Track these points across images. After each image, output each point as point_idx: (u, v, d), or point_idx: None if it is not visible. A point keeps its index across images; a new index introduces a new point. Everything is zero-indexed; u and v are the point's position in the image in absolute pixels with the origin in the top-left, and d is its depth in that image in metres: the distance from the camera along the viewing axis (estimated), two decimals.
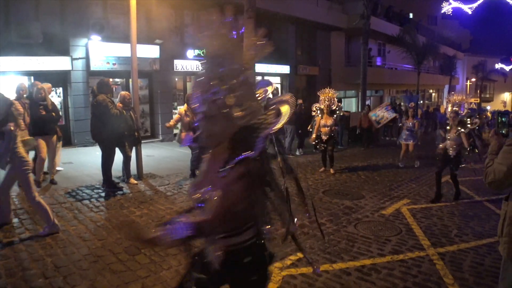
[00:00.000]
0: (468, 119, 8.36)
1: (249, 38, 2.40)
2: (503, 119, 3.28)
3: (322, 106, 11.13)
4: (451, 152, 8.14)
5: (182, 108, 9.99)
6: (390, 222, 6.81)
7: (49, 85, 9.19)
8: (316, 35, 25.23)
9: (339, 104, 11.72)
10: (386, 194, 8.77)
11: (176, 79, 18.22)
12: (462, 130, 8.06)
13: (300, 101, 14.76)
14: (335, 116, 11.41)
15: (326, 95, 11.17)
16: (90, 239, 5.69)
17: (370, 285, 4.54)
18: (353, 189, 9.10)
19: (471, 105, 10.37)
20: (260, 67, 19.48)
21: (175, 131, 17.34)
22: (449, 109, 8.73)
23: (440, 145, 8.48)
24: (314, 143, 11.41)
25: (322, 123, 10.96)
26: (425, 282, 4.63)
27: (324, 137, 10.93)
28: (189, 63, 17.45)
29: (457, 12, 33.96)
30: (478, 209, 7.82)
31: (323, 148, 11.06)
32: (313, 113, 11.96)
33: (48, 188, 8.27)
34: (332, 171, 10.94)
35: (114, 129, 8.05)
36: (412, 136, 12.29)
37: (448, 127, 8.40)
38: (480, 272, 4.92)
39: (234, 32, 2.31)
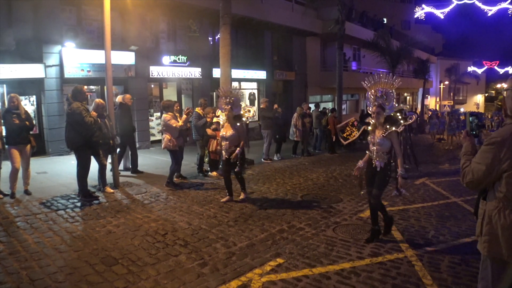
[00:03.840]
0: (399, 114, 6.11)
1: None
2: (474, 120, 3.34)
3: (218, 113, 8.44)
4: (377, 163, 5.95)
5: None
6: (368, 225, 6.83)
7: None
8: (292, 40, 25.39)
9: (248, 107, 9.04)
10: (364, 197, 8.79)
11: (152, 86, 18.09)
12: (394, 128, 5.86)
13: (276, 106, 14.81)
14: (245, 122, 8.56)
15: (225, 94, 8.25)
16: (65, 250, 5.57)
17: None
18: (331, 193, 9.14)
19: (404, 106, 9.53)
20: (237, 73, 19.47)
21: (153, 138, 17.31)
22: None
23: (359, 162, 6.26)
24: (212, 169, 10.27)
25: (221, 134, 8.21)
26: (404, 284, 4.66)
27: (225, 155, 8.12)
28: (165, 69, 17.34)
29: (429, 17, 34.57)
30: (454, 209, 7.94)
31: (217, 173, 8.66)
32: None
33: (22, 199, 8.08)
34: (242, 195, 8.42)
35: (88, 137, 7.94)
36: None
37: (369, 128, 6.13)
38: (458, 272, 4.98)
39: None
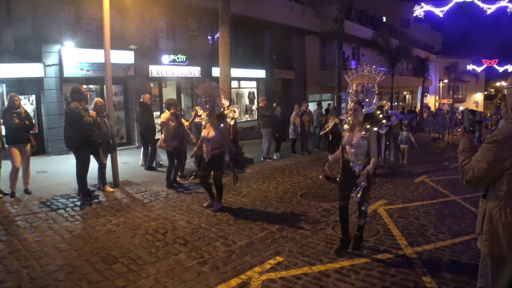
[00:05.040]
0: (379, 112, 5.46)
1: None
2: (472, 116, 3.35)
3: (200, 112, 7.74)
4: (355, 166, 5.36)
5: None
6: (367, 223, 6.84)
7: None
8: (291, 39, 25.38)
9: (233, 107, 7.80)
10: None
11: (152, 85, 18.08)
12: (375, 129, 5.28)
13: (274, 104, 14.81)
14: (229, 123, 7.79)
15: (204, 92, 7.42)
16: (66, 249, 5.59)
17: (349, 286, 4.57)
18: (331, 191, 9.15)
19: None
20: (236, 72, 19.46)
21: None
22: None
23: (329, 156, 5.89)
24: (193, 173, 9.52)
25: (203, 135, 7.52)
26: (404, 282, 4.68)
27: (206, 157, 7.48)
28: (165, 68, 17.34)
29: (429, 15, 34.58)
30: (453, 207, 7.97)
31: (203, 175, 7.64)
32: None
33: (22, 198, 8.09)
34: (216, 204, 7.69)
35: (87, 136, 7.96)
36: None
37: (346, 126, 5.58)
38: (457, 270, 5.00)
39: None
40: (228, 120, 7.59)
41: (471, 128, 3.30)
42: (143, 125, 11.13)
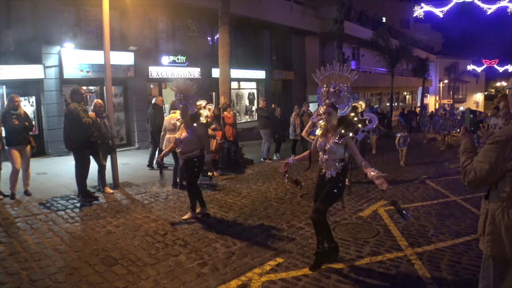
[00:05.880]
0: (353, 114, 4.94)
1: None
2: (473, 116, 3.34)
3: (177, 113, 7.37)
4: (327, 172, 4.92)
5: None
6: (367, 224, 6.86)
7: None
8: (291, 40, 25.40)
9: (209, 106, 7.35)
10: (363, 196, 8.83)
11: (152, 86, 18.08)
12: (350, 134, 4.78)
13: (273, 105, 14.81)
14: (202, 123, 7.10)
15: (180, 90, 6.82)
16: (65, 251, 5.58)
17: (350, 287, 4.57)
18: None
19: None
20: (236, 73, 19.48)
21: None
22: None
23: (291, 158, 5.41)
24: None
25: (177, 136, 6.95)
26: (404, 283, 4.67)
27: (180, 160, 7.09)
28: (164, 69, 17.35)
29: (429, 15, 34.55)
30: (453, 208, 7.95)
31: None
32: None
33: (22, 199, 8.09)
34: (190, 214, 7.08)
35: (86, 137, 7.97)
36: None
37: (318, 131, 5.03)
38: (458, 271, 4.98)
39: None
40: (201, 119, 7.01)
41: (472, 129, 3.29)
42: (155, 126, 11.16)
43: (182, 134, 6.79)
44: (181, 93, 6.76)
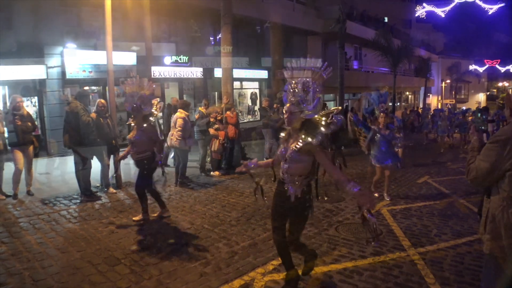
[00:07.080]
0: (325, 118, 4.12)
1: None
2: (483, 116, 3.34)
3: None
4: (290, 190, 4.14)
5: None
6: (367, 225, 6.83)
7: None
8: (293, 39, 25.35)
9: (159, 104, 7.23)
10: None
11: (154, 86, 18.05)
12: (310, 139, 3.88)
13: (276, 105, 14.78)
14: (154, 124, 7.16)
15: (132, 91, 6.63)
16: (68, 250, 5.58)
17: (352, 287, 4.56)
18: (333, 192, 9.12)
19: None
20: (238, 73, 19.47)
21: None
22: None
23: (254, 160, 4.88)
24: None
25: (129, 136, 6.76)
26: (407, 283, 4.66)
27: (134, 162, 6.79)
28: (167, 69, 17.35)
29: (430, 15, 34.64)
30: (456, 208, 7.93)
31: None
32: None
33: (25, 199, 8.10)
34: (157, 213, 7.11)
35: (85, 136, 8.00)
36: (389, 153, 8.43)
37: (282, 135, 4.32)
38: (461, 271, 4.97)
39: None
40: (151, 119, 6.83)
41: (482, 128, 3.30)
42: (169, 126, 11.20)
43: (133, 134, 6.59)
44: (135, 94, 6.50)
